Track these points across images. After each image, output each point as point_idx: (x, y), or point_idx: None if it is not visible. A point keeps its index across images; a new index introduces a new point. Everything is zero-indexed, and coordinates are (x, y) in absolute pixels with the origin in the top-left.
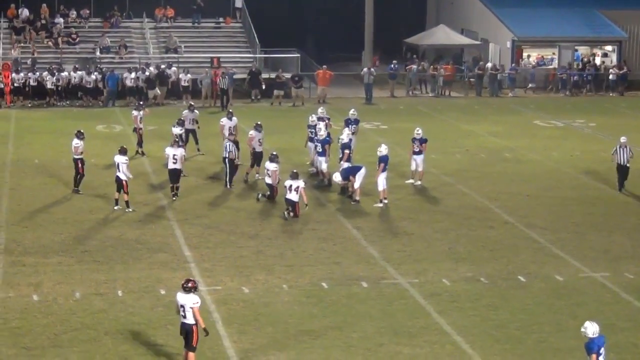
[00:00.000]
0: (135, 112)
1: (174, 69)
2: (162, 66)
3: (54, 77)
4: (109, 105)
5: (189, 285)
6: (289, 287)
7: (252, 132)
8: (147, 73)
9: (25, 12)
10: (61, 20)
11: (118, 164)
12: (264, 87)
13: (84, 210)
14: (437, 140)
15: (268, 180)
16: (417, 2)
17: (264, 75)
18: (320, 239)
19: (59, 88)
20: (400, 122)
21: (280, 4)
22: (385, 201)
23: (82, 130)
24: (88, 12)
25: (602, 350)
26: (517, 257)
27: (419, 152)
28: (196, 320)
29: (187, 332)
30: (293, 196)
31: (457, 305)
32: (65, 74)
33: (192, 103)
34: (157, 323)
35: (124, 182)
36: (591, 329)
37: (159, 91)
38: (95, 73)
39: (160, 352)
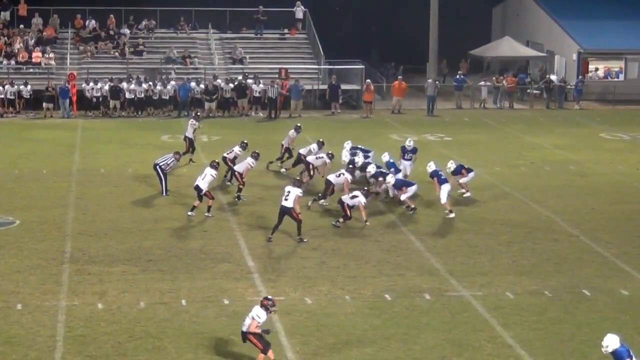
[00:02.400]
0: (193, 122)
1: (249, 80)
2: (239, 78)
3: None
4: (181, 115)
5: (264, 302)
6: (351, 298)
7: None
8: (202, 85)
9: (92, 23)
10: (127, 31)
11: (206, 174)
12: (341, 100)
13: (149, 219)
14: (502, 153)
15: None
16: (483, 13)
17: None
18: (383, 251)
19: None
20: (465, 134)
21: (345, 16)
22: (451, 215)
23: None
24: (154, 23)
25: (631, 353)
26: (582, 270)
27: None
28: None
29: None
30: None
31: (521, 318)
32: (129, 85)
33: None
34: (221, 333)
35: (205, 192)
36: (613, 342)
37: (212, 106)
38: (159, 84)
39: None
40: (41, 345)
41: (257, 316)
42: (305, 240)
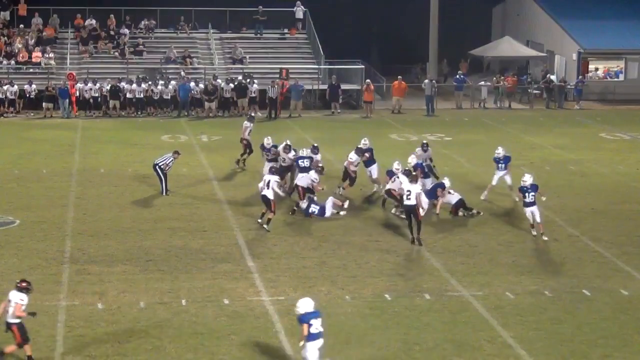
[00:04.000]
0: (247, 123)
1: (255, 80)
2: (239, 77)
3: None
4: (181, 115)
5: (22, 285)
6: (351, 298)
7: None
8: (200, 85)
9: (92, 23)
10: (127, 31)
11: (269, 181)
12: (341, 100)
13: (149, 219)
14: None
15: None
16: (483, 13)
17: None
18: (383, 251)
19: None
20: (465, 134)
21: (345, 16)
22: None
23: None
24: (154, 22)
25: (312, 322)
26: (582, 270)
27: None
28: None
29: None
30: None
31: (521, 318)
32: (131, 85)
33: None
34: (220, 332)
35: (272, 202)
36: (304, 305)
37: (212, 105)
38: (161, 83)
39: None
40: (41, 345)
41: (20, 300)
42: (421, 244)
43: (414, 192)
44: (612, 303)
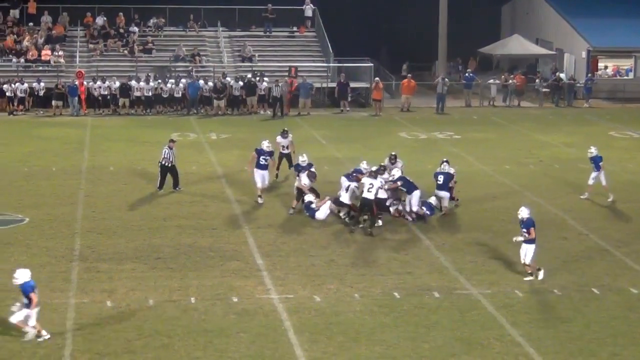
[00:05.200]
0: (279, 139)
1: (265, 78)
2: (249, 76)
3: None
4: (190, 113)
5: None
6: (360, 296)
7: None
8: (210, 83)
9: (101, 21)
10: (136, 29)
11: (348, 186)
12: (350, 97)
13: (158, 217)
14: (511, 151)
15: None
16: (492, 11)
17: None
18: (392, 249)
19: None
20: (474, 132)
21: (354, 14)
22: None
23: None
24: (163, 21)
25: (33, 293)
26: (591, 269)
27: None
28: None
29: None
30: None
31: (530, 316)
32: (139, 83)
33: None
34: (229, 330)
35: (351, 205)
36: (22, 275)
37: (222, 103)
38: (171, 82)
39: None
40: (50, 342)
41: None
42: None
43: (375, 186)
44: (621, 301)
